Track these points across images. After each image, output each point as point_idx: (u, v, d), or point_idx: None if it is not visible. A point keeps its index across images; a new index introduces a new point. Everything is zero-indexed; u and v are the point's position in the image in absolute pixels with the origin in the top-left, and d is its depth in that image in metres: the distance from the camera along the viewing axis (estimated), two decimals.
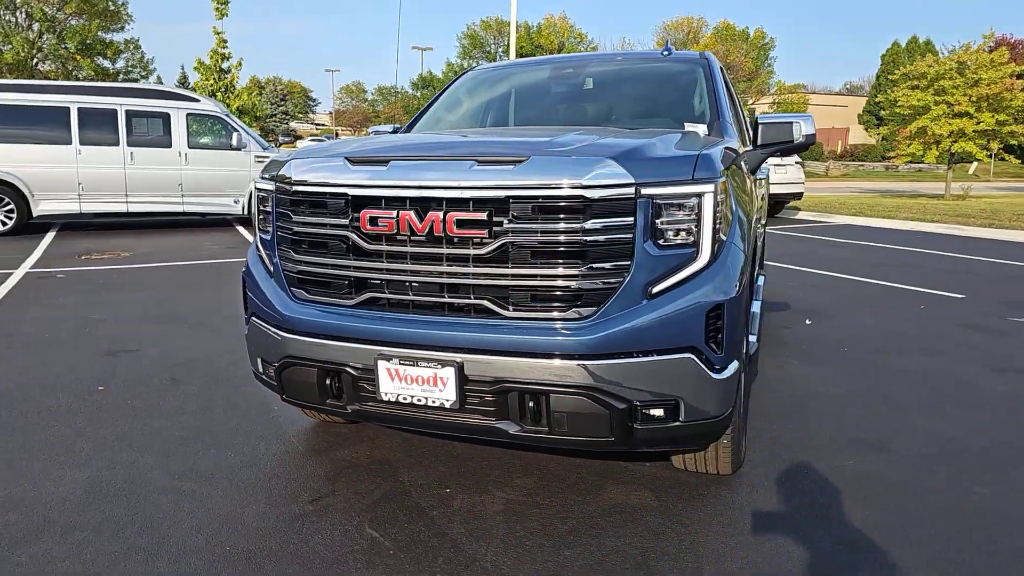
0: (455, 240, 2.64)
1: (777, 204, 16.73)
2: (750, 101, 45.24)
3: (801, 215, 17.22)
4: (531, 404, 2.63)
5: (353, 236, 2.77)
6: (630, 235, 2.55)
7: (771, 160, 15.15)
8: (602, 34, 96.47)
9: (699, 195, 2.62)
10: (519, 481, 3.21)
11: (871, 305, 7.08)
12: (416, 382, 2.70)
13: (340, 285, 2.86)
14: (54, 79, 31.39)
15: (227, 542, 2.70)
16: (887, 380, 4.70)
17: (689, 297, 2.60)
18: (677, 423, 2.66)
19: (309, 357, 2.89)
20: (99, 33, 34.52)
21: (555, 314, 2.60)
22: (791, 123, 3.79)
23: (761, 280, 5.80)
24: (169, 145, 12.41)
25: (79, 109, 11.86)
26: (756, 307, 4.43)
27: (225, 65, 16.87)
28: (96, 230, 12.62)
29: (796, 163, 15.89)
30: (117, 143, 12.02)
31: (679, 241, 2.62)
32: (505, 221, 2.58)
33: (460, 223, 2.61)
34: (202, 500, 3.02)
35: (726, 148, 3.03)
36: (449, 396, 2.66)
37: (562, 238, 2.55)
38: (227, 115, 12.83)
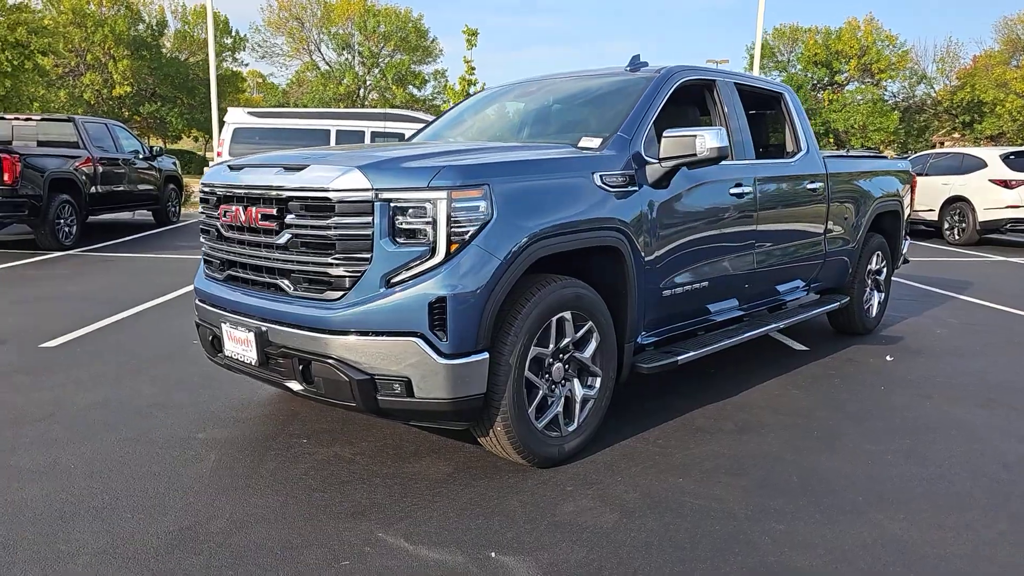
0: (263, 231, 3.32)
1: None
2: None
3: None
4: (301, 368, 3.21)
5: (218, 225, 3.59)
6: (369, 232, 3.01)
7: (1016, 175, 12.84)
8: (922, 34, 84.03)
9: (433, 201, 2.98)
10: (364, 443, 3.74)
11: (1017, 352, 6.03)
12: (238, 342, 3.43)
13: (215, 263, 3.70)
14: (374, 106, 37.24)
15: (123, 450, 3.65)
16: (856, 423, 4.28)
17: (417, 289, 2.98)
18: (413, 399, 3.05)
19: (203, 319, 3.78)
20: (411, 66, 40.30)
21: (317, 295, 3.16)
22: (693, 136, 3.75)
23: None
24: None
25: (337, 131, 14.27)
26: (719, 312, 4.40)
27: (472, 91, 18.88)
28: None
29: None
30: None
31: (415, 240, 3.01)
32: (289, 216, 3.20)
33: (263, 216, 3.29)
34: (145, 419, 4.03)
35: (513, 161, 3.31)
36: (253, 355, 3.35)
37: (320, 232, 3.10)
38: None
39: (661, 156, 3.84)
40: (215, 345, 3.72)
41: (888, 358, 5.68)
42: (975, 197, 13.70)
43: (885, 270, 6.66)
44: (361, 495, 3.16)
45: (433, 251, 3.00)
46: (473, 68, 18.56)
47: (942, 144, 43.62)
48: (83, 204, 11.62)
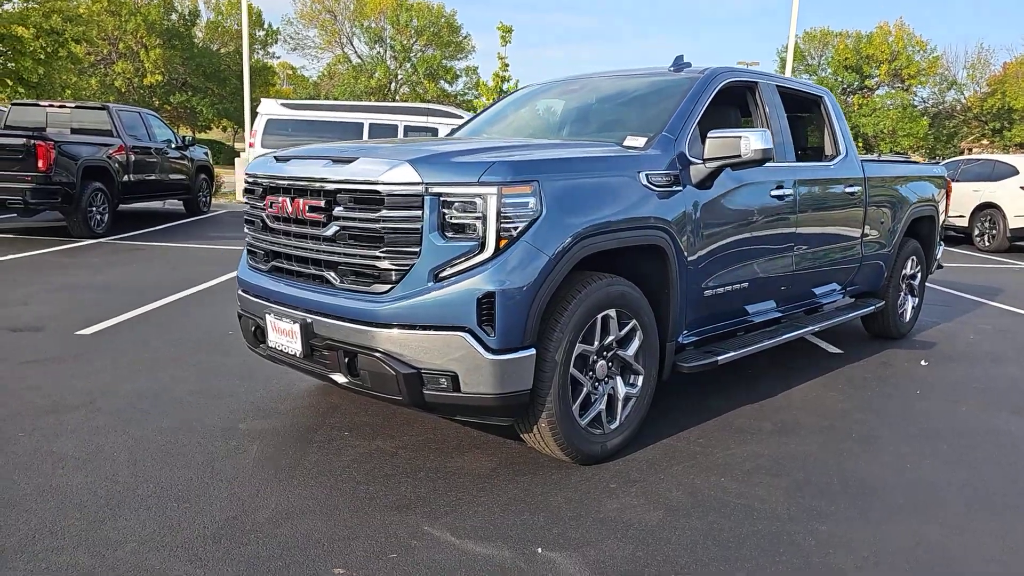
0: (310, 223, 3.33)
1: None
2: None
3: None
4: (347, 360, 3.22)
5: (264, 216, 3.61)
6: (418, 226, 3.02)
7: None
8: (953, 40, 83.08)
9: (483, 197, 2.99)
10: (406, 437, 3.75)
11: None
12: (282, 333, 3.45)
13: (260, 254, 3.72)
14: (405, 101, 37.43)
15: (165, 439, 3.68)
16: (893, 427, 4.24)
17: (465, 284, 2.99)
18: (460, 394, 3.05)
19: (246, 310, 3.81)
20: (443, 62, 40.54)
21: (364, 288, 3.17)
22: (738, 138, 3.73)
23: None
24: None
25: (370, 124, 14.34)
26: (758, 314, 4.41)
27: (505, 87, 18.92)
28: None
29: None
30: None
31: (464, 235, 3.02)
32: (337, 209, 3.21)
33: (311, 208, 3.30)
34: (186, 408, 4.07)
35: (562, 158, 3.32)
36: (297, 347, 3.37)
37: (368, 225, 3.11)
38: None
39: (705, 157, 3.82)
40: (258, 336, 3.75)
41: (923, 363, 5.63)
42: (1006, 204, 13.53)
43: (919, 275, 6.60)
44: (406, 488, 3.17)
45: (482, 246, 3.00)
46: (507, 64, 18.59)
47: (970, 151, 43.06)
48: (115, 192, 11.73)
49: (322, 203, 3.25)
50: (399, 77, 41.73)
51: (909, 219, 6.09)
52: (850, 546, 2.86)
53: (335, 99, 37.79)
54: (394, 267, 3.07)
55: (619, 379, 3.57)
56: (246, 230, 3.89)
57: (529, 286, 3.02)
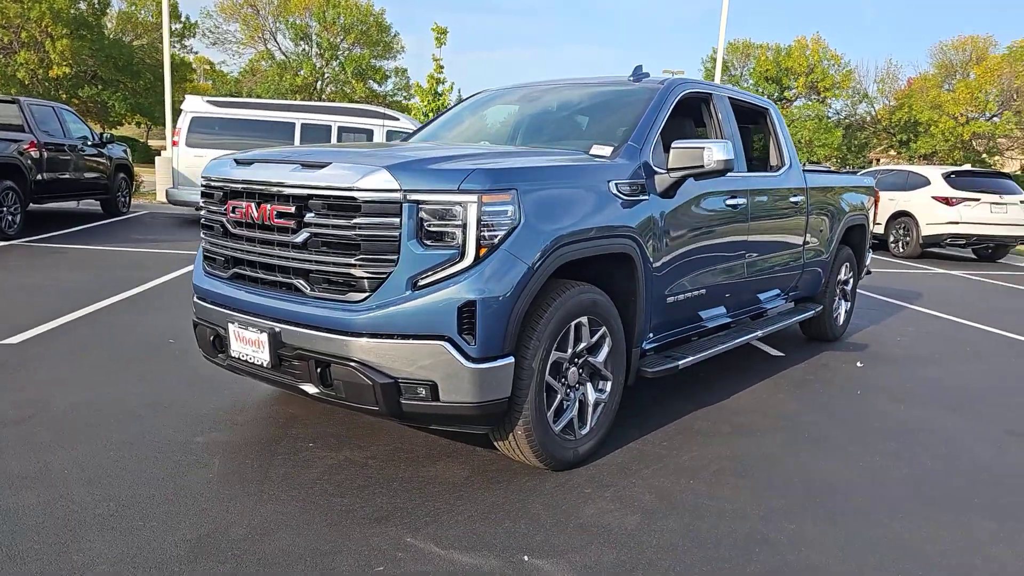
0: (278, 229, 3.24)
1: (999, 248, 14.74)
2: None
3: None
4: (319, 370, 3.14)
5: (225, 221, 3.49)
6: (396, 233, 2.97)
7: (987, 198, 13.56)
8: (864, 55, 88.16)
9: (463, 204, 2.97)
10: (375, 447, 3.69)
11: (976, 361, 6.34)
12: (247, 343, 3.34)
13: (219, 261, 3.59)
14: (332, 100, 36.67)
15: (118, 454, 3.51)
16: (841, 426, 4.43)
17: (446, 292, 2.96)
18: (438, 403, 3.02)
19: (204, 318, 3.67)
20: (372, 61, 39.90)
21: (338, 296, 3.10)
22: (701, 148, 3.83)
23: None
24: None
25: (302, 124, 14.01)
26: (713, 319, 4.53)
27: (440, 88, 18.86)
28: None
29: (1021, 202, 13.92)
30: None
31: (443, 243, 2.99)
32: (308, 215, 3.13)
33: (279, 214, 3.21)
34: (136, 421, 3.88)
35: (538, 166, 3.33)
36: (265, 357, 3.27)
37: (342, 232, 3.05)
38: None
39: (670, 166, 3.90)
40: (216, 345, 3.61)
41: (859, 364, 5.90)
42: (919, 213, 14.32)
43: (852, 280, 6.91)
44: (382, 500, 3.12)
45: (462, 255, 2.98)
46: (442, 67, 18.47)
47: (878, 161, 45.33)
48: (28, 191, 11.07)
49: (292, 209, 3.16)
50: (326, 76, 40.81)
51: (844, 227, 6.38)
52: (821, 543, 2.97)
53: (259, 97, 36.75)
54: (370, 275, 3.02)
55: (589, 385, 3.61)
56: (202, 235, 3.75)
57: (509, 295, 3.02)
